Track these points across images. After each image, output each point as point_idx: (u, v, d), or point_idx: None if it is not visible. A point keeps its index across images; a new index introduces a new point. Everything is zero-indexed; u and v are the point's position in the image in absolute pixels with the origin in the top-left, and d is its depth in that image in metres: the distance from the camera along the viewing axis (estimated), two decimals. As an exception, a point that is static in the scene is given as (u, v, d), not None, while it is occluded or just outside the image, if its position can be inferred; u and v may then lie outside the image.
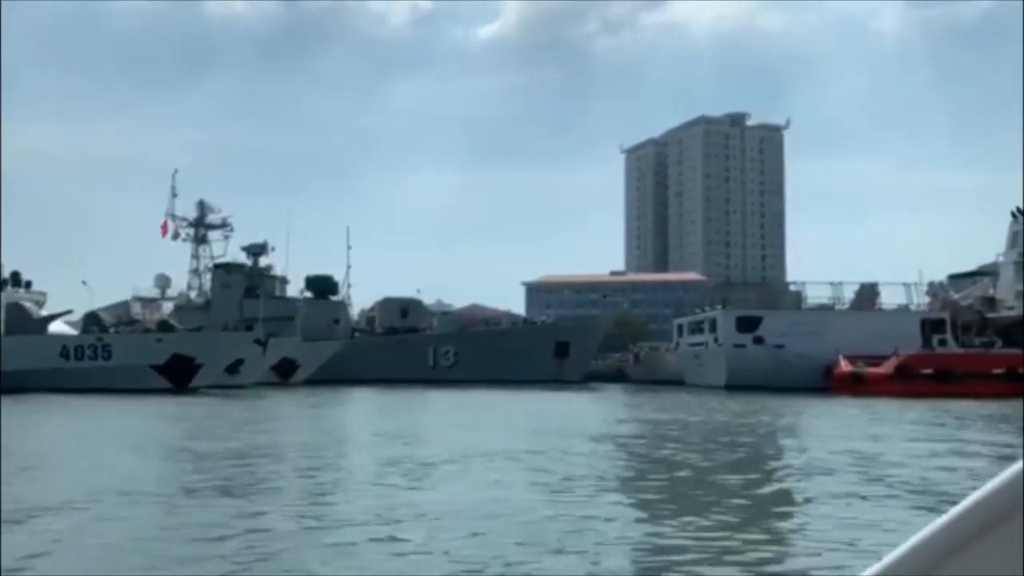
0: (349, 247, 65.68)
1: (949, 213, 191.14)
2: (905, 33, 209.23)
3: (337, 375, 56.45)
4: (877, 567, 1.06)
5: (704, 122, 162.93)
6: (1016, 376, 44.32)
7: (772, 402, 37.21)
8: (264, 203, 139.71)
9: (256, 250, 63.98)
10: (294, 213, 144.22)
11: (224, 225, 64.11)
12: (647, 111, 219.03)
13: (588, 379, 65.55)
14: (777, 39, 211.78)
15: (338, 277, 65.26)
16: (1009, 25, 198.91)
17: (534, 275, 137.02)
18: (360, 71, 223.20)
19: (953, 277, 66.76)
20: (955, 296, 59.19)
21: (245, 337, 46.84)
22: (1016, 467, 1.02)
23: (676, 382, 61.73)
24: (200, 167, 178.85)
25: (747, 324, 54.39)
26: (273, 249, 63.93)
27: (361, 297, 78.27)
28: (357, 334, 65.42)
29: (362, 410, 35.69)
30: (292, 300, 61.08)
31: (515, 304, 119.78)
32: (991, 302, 57.60)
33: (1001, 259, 61.50)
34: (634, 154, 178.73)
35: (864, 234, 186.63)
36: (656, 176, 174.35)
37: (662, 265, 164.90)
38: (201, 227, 64.02)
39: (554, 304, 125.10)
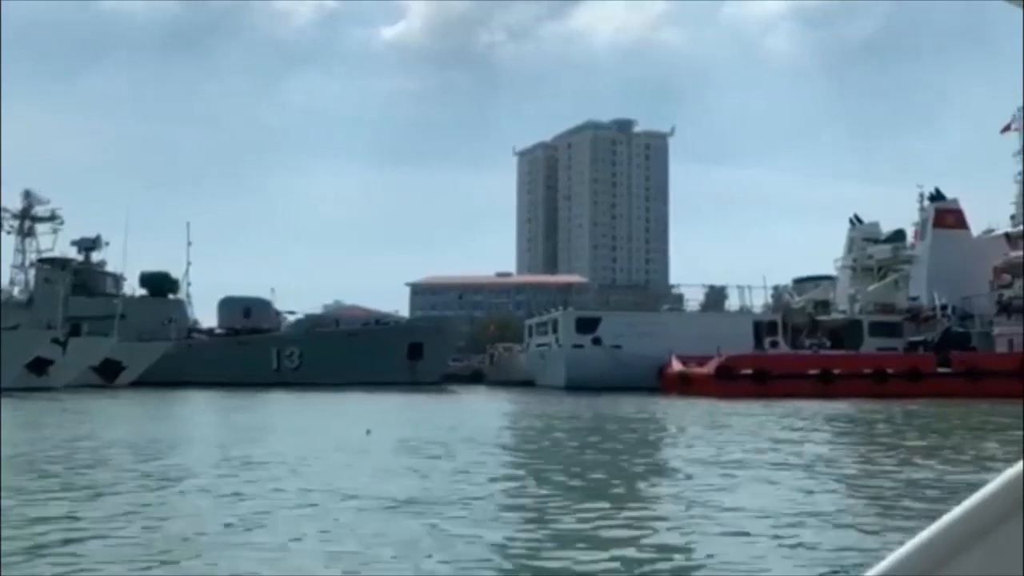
0: (189, 243, 62.89)
1: (829, 220, 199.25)
2: (795, 52, 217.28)
3: (171, 377, 53.66)
4: (880, 568, 1.05)
5: (592, 127, 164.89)
6: (830, 376, 45.53)
7: (577, 402, 37.02)
8: (148, 198, 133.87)
9: (87, 245, 60.51)
10: (132, 208, 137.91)
11: (53, 218, 60.39)
12: (546, 117, 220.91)
13: (444, 381, 64.54)
14: (676, 52, 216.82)
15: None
16: (891, 48, 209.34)
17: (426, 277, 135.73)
18: (262, 69, 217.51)
19: (797, 281, 68.87)
20: (792, 299, 60.89)
21: (41, 336, 43.92)
22: (1017, 468, 1.03)
23: (528, 383, 61.48)
24: (86, 159, 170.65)
25: (586, 325, 54.44)
26: (107, 244, 60.62)
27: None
28: (195, 334, 62.64)
29: (137, 412, 33.54)
30: (112, 298, 57.78)
31: (404, 306, 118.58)
32: (825, 305, 59.43)
33: (839, 264, 63.76)
34: (526, 157, 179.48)
35: (749, 240, 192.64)
36: (547, 180, 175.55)
37: (552, 267, 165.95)
38: (27, 219, 60.12)
39: (439, 306, 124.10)
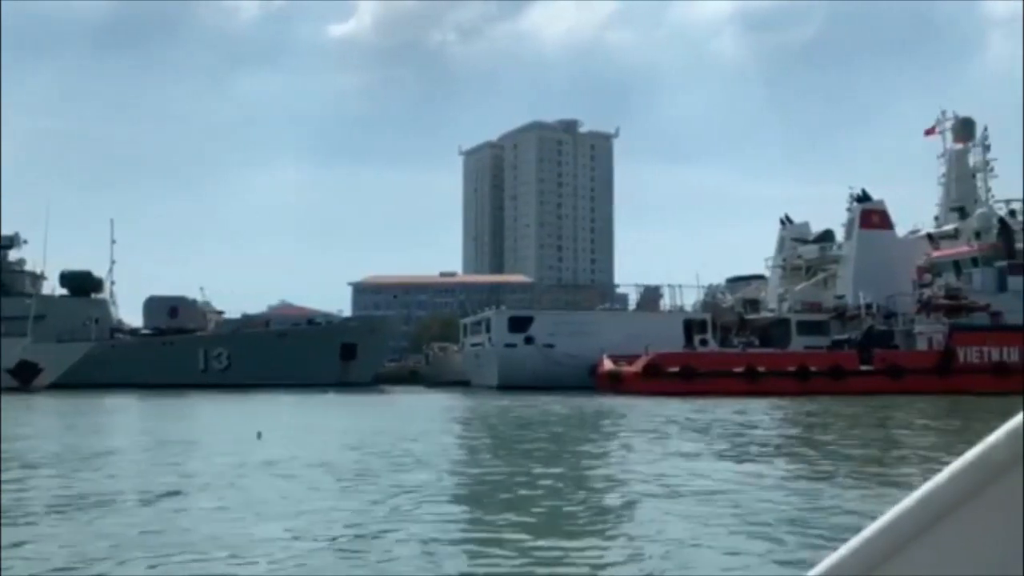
0: (113, 241, 61.00)
1: (768, 220, 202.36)
2: (739, 54, 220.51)
3: (93, 379, 51.98)
4: (879, 523, 1.06)
5: (538, 128, 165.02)
6: (755, 374, 46.00)
7: (493, 402, 36.73)
8: (77, 197, 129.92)
9: (4, 243, 58.29)
10: (63, 207, 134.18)
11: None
12: (495, 117, 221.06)
13: (379, 382, 63.67)
14: (624, 53, 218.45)
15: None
16: (829, 52, 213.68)
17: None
18: (206, 66, 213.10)
19: (731, 280, 69.53)
20: (724, 298, 61.39)
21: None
22: (1016, 420, 1.04)
23: (464, 383, 61.02)
24: (6, 157, 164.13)
25: (519, 324, 54.16)
26: (25, 242, 58.46)
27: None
28: (118, 335, 60.76)
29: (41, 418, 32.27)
30: (23, 297, 55.77)
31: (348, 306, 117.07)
32: (755, 304, 60.05)
33: (770, 264, 64.54)
34: (472, 157, 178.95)
35: (692, 239, 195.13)
36: (493, 179, 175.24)
37: (498, 267, 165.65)
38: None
39: (382, 305, 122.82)
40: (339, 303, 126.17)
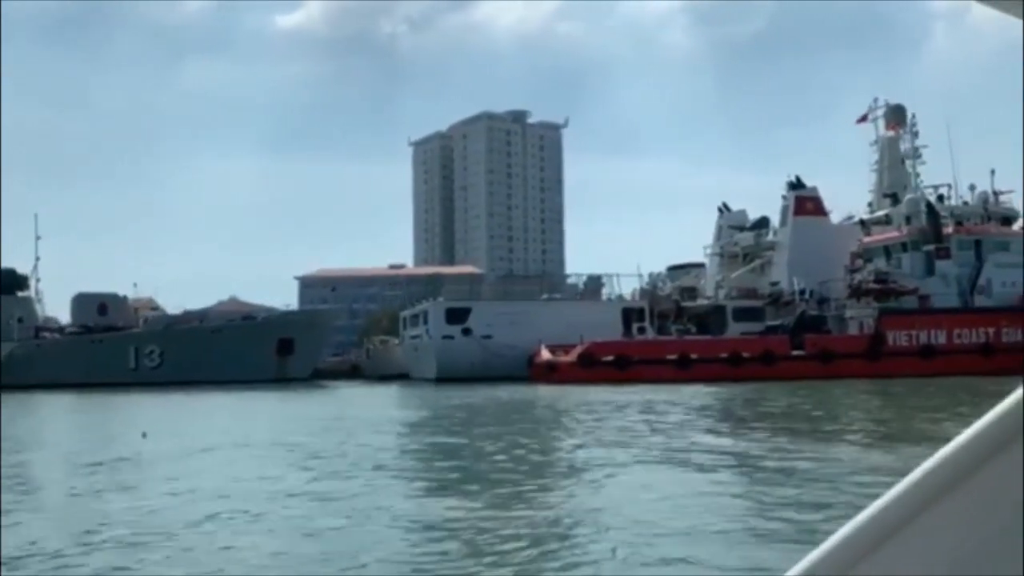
0: (38, 237, 59.16)
1: (712, 209, 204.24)
2: (689, 47, 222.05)
3: (18, 379, 50.23)
4: (886, 496, 1.05)
5: (487, 118, 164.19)
6: (688, 361, 46.17)
7: (421, 394, 36.31)
8: (24, 193, 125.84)
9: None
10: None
11: None
12: (445, 108, 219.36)
13: (319, 377, 62.67)
14: (575, 45, 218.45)
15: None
16: (775, 44, 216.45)
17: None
18: (148, 56, 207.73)
19: (672, 268, 69.82)
20: (663, 287, 61.56)
21: None
22: (1016, 395, 1.04)
23: (404, 376, 60.38)
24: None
25: (456, 315, 53.70)
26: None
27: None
28: (44, 334, 58.88)
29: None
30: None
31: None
32: (692, 292, 60.32)
33: (708, 252, 64.93)
34: (421, 147, 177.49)
35: (640, 228, 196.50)
36: (442, 170, 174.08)
37: (449, 259, 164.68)
38: None
39: (330, 299, 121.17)
40: (289, 298, 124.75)
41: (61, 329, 60.41)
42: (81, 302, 60.15)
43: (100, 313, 59.12)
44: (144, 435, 18.34)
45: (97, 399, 40.67)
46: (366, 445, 17.27)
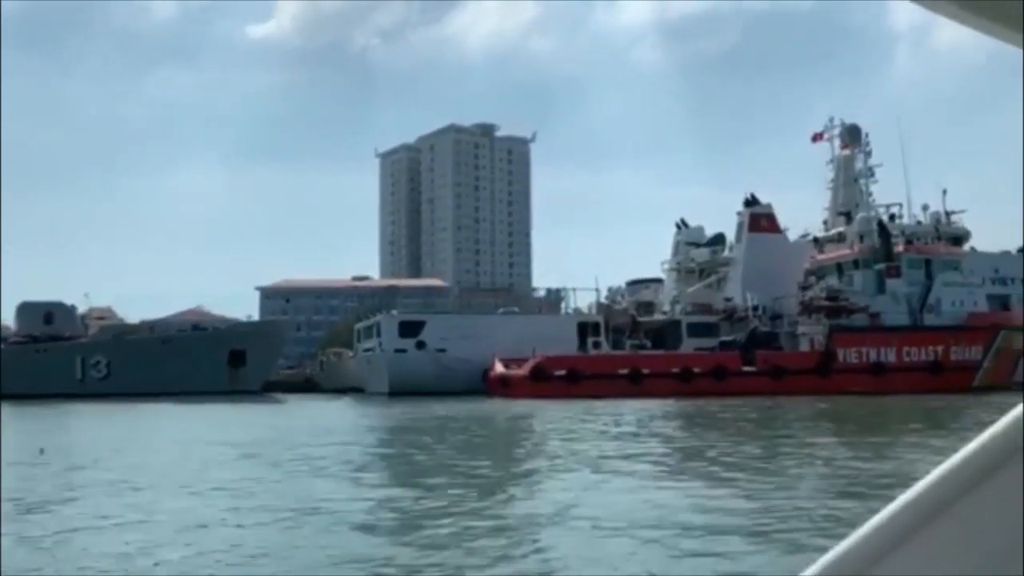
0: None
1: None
2: (659, 62, 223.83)
3: (-43, 390, 48.80)
4: (885, 512, 1.05)
5: (454, 131, 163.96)
6: (639, 376, 46.05)
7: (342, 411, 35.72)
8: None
9: None
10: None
11: None
12: (415, 120, 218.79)
13: (271, 389, 61.61)
14: (546, 59, 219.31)
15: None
16: (743, 62, 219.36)
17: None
18: (117, 65, 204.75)
19: (631, 283, 69.90)
20: (620, 301, 61.55)
21: None
22: (1016, 411, 1.04)
23: (359, 389, 59.58)
24: None
25: (410, 328, 53.19)
26: None
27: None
28: (-9, 344, 57.32)
29: None
30: None
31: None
32: (649, 306, 60.37)
33: (665, 267, 65.08)
34: (388, 159, 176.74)
35: (606, 242, 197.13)
36: (409, 182, 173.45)
37: (415, 271, 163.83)
38: None
39: (290, 311, 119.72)
40: (251, 309, 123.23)
41: (4, 338, 58.88)
42: (26, 311, 58.70)
43: (46, 322, 57.74)
44: (42, 451, 17.64)
45: (33, 411, 39.50)
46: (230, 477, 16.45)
